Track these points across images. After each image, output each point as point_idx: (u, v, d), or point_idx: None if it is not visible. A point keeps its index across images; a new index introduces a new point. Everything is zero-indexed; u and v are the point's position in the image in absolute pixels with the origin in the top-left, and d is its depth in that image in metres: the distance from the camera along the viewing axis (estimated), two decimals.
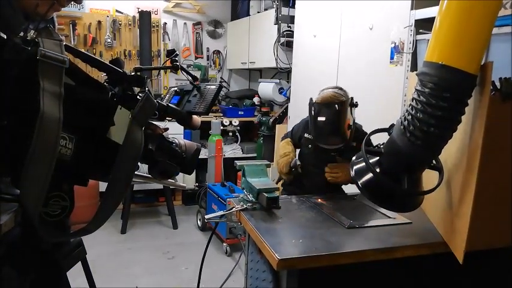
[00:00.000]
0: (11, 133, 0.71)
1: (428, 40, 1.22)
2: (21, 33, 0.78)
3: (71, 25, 4.66)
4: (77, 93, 0.79)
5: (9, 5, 0.75)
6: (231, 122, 4.72)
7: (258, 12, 4.66)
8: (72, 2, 0.91)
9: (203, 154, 3.98)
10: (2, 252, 0.81)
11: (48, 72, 0.71)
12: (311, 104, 1.93)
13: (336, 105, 1.85)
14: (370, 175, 1.34)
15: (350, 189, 1.69)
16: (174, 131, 3.59)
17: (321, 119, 1.87)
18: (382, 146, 1.36)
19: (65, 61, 0.73)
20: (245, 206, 1.64)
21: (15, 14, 0.78)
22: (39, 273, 0.87)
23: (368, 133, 1.47)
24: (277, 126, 4.27)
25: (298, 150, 2.23)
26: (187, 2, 5.19)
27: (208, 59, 5.48)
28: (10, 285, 0.83)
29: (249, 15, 4.80)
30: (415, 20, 2.35)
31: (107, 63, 0.90)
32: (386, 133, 1.35)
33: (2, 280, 0.81)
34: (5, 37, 0.70)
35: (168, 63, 1.10)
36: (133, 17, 4.92)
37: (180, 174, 1.01)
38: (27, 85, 0.70)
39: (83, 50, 0.89)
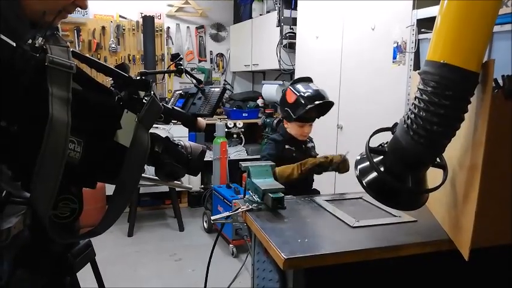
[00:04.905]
0: (22, 138, 0.73)
1: (430, 39, 1.22)
2: (30, 41, 0.80)
3: (75, 31, 4.70)
4: (84, 98, 0.80)
5: (15, 15, 0.77)
6: (235, 124, 4.74)
7: (261, 14, 4.67)
8: (77, 8, 0.92)
9: (208, 156, 4.00)
10: (13, 255, 0.83)
11: (56, 78, 0.72)
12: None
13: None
14: (374, 174, 1.34)
15: (353, 188, 1.70)
16: (179, 133, 3.60)
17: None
18: (385, 145, 1.36)
19: (72, 67, 0.75)
20: (251, 207, 1.65)
21: (21, 23, 0.79)
22: (52, 276, 0.88)
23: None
24: None
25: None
26: (190, 6, 5.23)
27: (211, 62, 5.51)
28: (23, 287, 0.84)
29: (252, 17, 4.82)
30: (417, 20, 2.36)
31: (113, 68, 0.91)
32: (389, 132, 1.36)
33: (16, 282, 0.83)
34: (14, 45, 0.71)
35: (173, 67, 1.12)
36: (137, 22, 4.96)
37: (186, 176, 1.02)
38: (36, 91, 0.71)
39: (88, 55, 0.91)
